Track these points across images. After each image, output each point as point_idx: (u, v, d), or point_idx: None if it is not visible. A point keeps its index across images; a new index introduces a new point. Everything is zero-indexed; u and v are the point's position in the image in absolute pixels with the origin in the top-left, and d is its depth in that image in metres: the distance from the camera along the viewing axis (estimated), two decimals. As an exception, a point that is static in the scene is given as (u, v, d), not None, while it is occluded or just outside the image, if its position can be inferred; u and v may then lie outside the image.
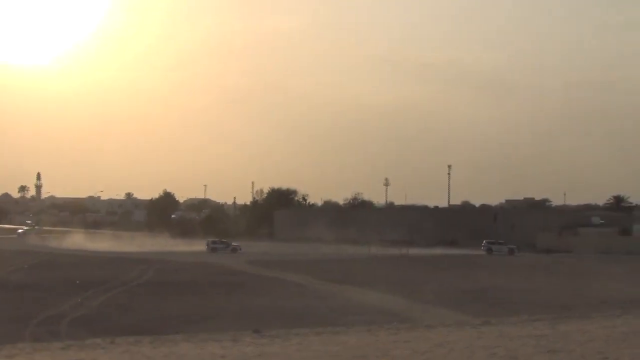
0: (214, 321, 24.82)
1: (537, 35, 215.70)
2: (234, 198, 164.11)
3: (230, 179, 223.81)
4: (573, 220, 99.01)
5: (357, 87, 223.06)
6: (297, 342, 11.66)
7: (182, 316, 26.10)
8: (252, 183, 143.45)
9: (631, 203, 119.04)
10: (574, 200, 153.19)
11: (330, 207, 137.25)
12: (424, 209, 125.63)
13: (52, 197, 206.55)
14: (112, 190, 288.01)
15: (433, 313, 26.17)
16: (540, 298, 34.10)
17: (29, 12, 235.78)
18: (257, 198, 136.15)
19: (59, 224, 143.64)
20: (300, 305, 29.04)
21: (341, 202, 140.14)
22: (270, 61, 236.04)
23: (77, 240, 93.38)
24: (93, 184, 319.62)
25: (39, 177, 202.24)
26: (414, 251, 74.44)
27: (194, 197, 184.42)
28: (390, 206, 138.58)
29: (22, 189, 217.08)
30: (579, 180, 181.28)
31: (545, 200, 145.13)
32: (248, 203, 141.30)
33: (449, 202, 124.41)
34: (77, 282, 38.22)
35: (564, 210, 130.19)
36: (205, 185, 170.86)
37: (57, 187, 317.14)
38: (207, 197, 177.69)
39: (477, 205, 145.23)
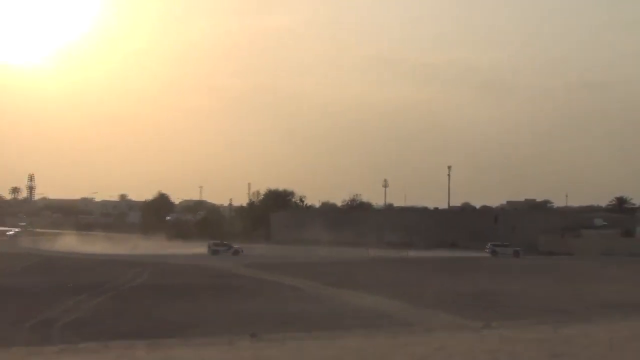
0: (210, 325, 24.53)
1: (537, 35, 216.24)
2: (230, 199, 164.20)
3: (226, 180, 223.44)
4: (575, 221, 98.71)
5: (356, 87, 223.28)
6: (294, 346, 11.46)
7: (178, 320, 25.80)
8: (249, 184, 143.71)
9: (634, 204, 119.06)
10: (575, 201, 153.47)
11: (328, 209, 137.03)
12: (424, 210, 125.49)
13: (45, 199, 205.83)
14: (106, 191, 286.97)
15: (433, 316, 25.92)
16: (540, 301, 33.85)
17: (19, 12, 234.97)
18: (253, 199, 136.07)
19: (52, 226, 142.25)
20: (297, 309, 28.75)
21: (339, 203, 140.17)
22: (269, 61, 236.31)
23: (70, 242, 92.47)
24: (87, 185, 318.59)
25: (31, 178, 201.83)
26: (413, 253, 73.99)
27: (189, 198, 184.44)
28: (389, 207, 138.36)
29: (14, 190, 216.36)
30: (580, 181, 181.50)
31: (546, 202, 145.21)
32: (244, 204, 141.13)
33: (449, 203, 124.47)
34: (70, 285, 37.80)
35: (565, 211, 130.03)
36: (200, 187, 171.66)
37: (50, 189, 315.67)
38: (203, 198, 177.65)
39: (477, 206, 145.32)
